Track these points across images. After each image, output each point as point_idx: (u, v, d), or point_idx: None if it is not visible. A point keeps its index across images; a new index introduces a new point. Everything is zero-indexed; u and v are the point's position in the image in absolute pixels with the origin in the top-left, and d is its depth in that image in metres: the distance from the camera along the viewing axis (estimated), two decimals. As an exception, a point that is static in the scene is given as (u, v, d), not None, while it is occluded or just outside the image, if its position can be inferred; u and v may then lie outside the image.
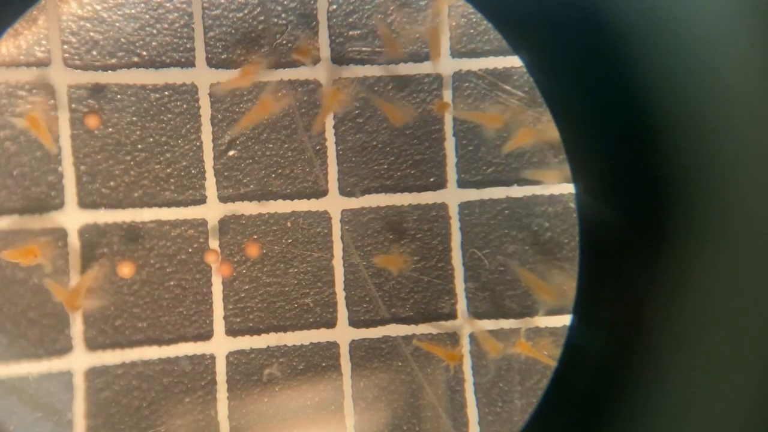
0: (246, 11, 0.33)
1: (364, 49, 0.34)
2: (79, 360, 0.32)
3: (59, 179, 0.32)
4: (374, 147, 0.34)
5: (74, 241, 0.32)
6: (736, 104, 0.24)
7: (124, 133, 0.33)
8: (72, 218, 0.32)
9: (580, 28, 0.27)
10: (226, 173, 0.33)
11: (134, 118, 0.33)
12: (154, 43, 0.33)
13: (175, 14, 0.33)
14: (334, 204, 0.34)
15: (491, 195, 0.35)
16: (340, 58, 0.34)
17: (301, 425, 0.34)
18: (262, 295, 0.34)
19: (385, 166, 0.34)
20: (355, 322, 0.34)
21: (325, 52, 0.34)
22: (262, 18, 0.33)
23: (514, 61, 0.34)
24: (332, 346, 0.34)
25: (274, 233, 0.34)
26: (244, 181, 0.34)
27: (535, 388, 0.35)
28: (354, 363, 0.34)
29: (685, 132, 0.25)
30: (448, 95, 0.35)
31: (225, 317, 0.33)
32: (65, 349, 0.32)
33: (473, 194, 0.35)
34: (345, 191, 0.34)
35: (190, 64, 0.33)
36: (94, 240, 0.33)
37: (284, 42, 0.34)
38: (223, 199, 0.33)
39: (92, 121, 0.32)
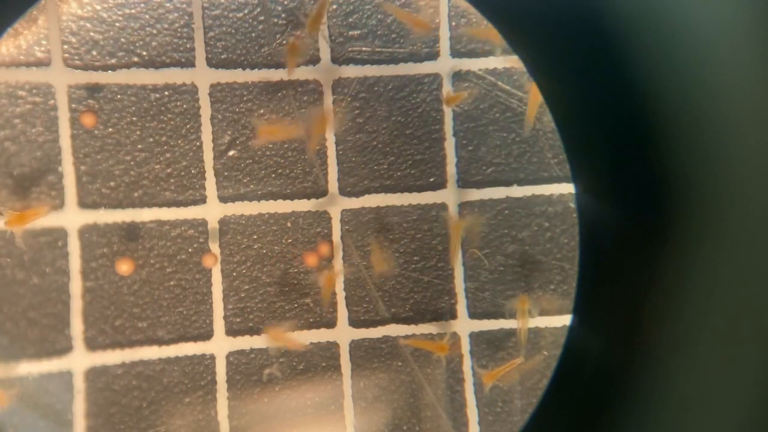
0: (246, 11, 0.33)
1: (364, 49, 0.34)
2: (79, 360, 0.32)
3: (59, 179, 0.32)
4: (374, 147, 0.34)
5: (74, 241, 0.32)
6: (737, 104, 0.24)
7: (124, 133, 0.33)
8: (72, 218, 0.32)
9: (580, 28, 0.27)
10: (226, 173, 0.33)
11: (134, 118, 0.33)
12: (154, 43, 0.33)
13: (175, 14, 0.33)
14: (334, 204, 0.34)
15: (491, 195, 0.35)
16: (340, 58, 0.34)
17: (301, 425, 0.34)
18: (262, 295, 0.34)
19: (385, 166, 0.34)
20: (355, 322, 0.34)
21: (325, 52, 0.34)
22: (262, 18, 0.33)
23: (514, 61, 0.34)
24: (332, 346, 0.34)
25: (274, 233, 0.34)
26: (244, 181, 0.34)
27: (535, 388, 0.35)
28: (354, 363, 0.34)
29: (686, 132, 0.25)
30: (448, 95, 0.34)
31: (225, 317, 0.33)
32: (65, 349, 0.32)
33: (473, 194, 0.35)
34: (345, 191, 0.34)
35: (190, 64, 0.33)
36: (94, 240, 0.33)
37: (284, 42, 0.33)
38: (223, 199, 0.33)
39: (88, 120, 0.32)
